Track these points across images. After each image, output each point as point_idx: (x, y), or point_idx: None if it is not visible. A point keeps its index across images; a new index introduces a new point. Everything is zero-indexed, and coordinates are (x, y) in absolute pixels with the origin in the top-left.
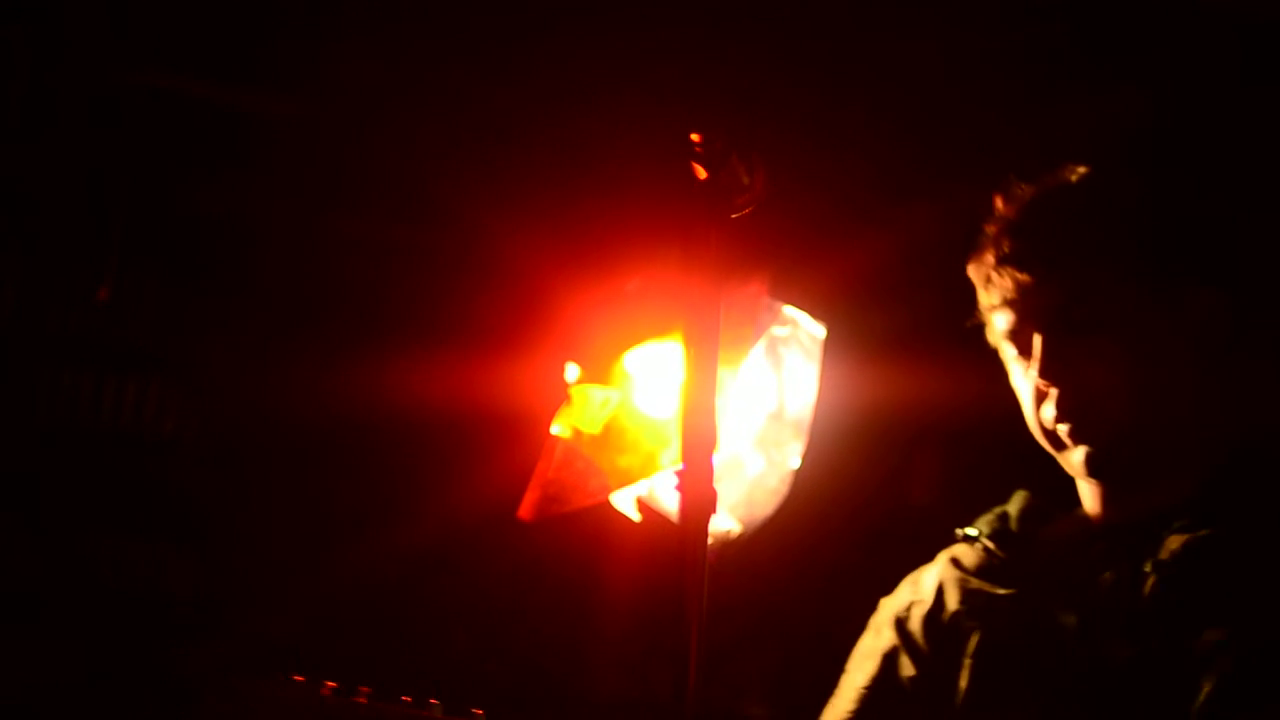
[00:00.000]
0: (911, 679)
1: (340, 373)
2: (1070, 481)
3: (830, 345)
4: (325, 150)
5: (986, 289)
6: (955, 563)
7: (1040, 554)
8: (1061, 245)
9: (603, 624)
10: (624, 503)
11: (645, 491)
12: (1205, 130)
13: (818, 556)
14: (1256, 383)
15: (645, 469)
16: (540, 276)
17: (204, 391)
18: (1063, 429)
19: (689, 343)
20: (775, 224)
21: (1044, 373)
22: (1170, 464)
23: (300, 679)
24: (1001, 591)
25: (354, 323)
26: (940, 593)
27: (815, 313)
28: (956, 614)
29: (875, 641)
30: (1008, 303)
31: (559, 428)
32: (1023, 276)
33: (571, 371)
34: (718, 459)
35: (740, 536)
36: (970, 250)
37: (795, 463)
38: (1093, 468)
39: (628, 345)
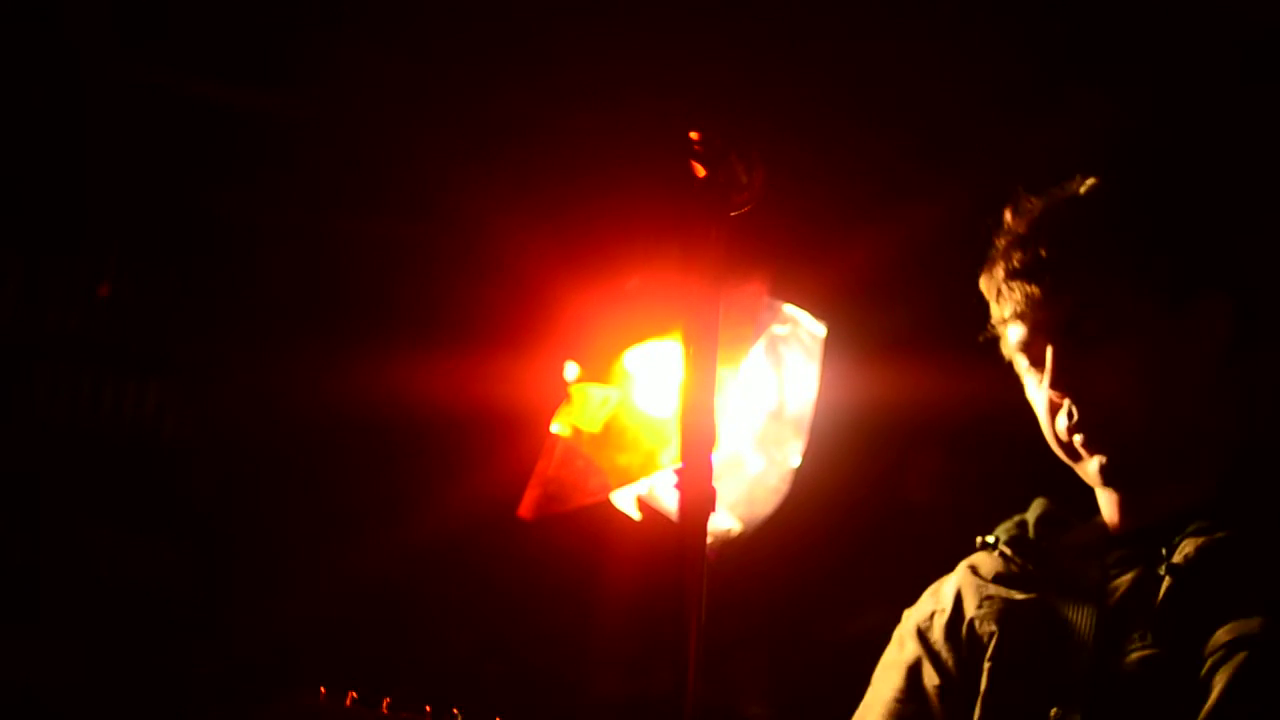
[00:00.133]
0: (937, 688)
1: (340, 371)
2: (1081, 484)
3: (830, 344)
4: (327, 150)
5: (998, 302)
6: (974, 570)
7: (1058, 560)
8: (1070, 257)
9: (603, 622)
10: (624, 501)
11: (645, 490)
12: (1210, 137)
13: (818, 555)
14: (1268, 386)
15: (645, 468)
16: (540, 275)
17: (204, 391)
18: (1077, 439)
19: (688, 341)
20: (776, 223)
21: (1056, 384)
22: (1184, 469)
23: (322, 690)
24: (1019, 597)
25: (354, 321)
26: (959, 600)
27: (815, 312)
28: (975, 620)
29: (899, 654)
30: (1019, 315)
31: (559, 426)
32: (1032, 289)
33: (571, 370)
34: (717, 458)
35: (741, 535)
36: (981, 264)
37: (795, 461)
38: (1108, 477)
39: (627, 344)
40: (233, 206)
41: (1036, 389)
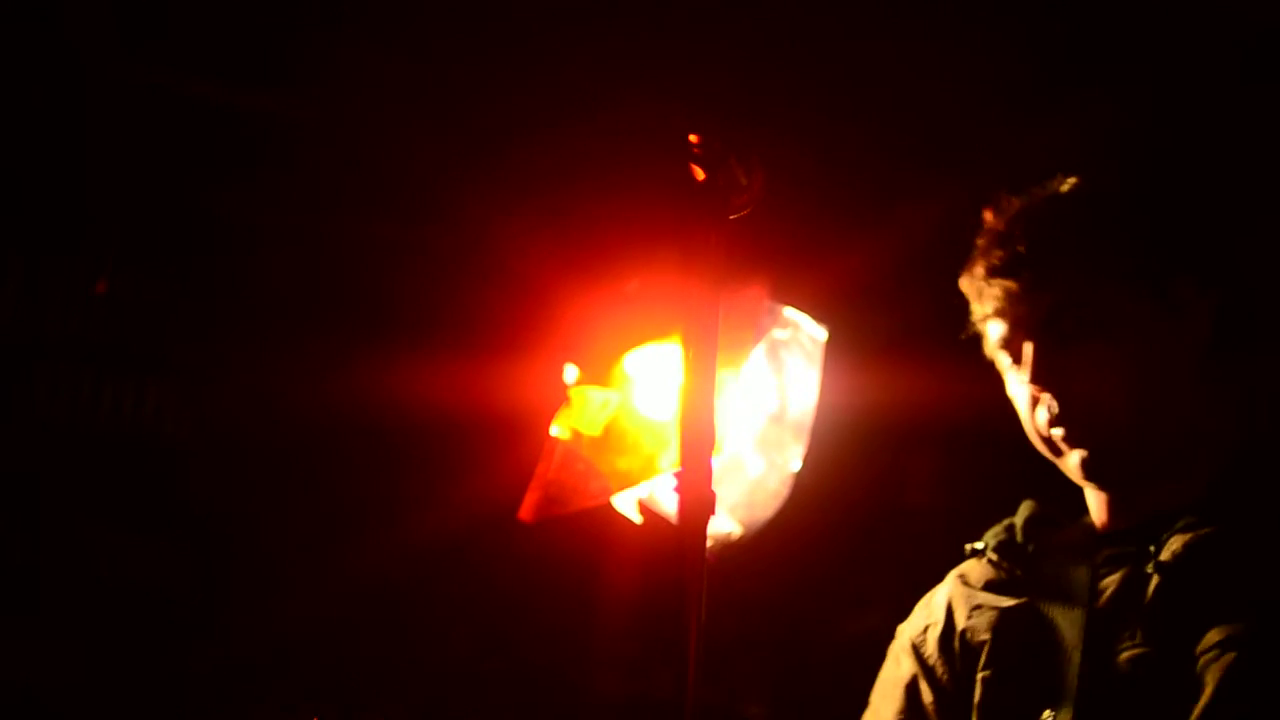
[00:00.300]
0: (934, 704)
1: (339, 372)
2: (1077, 487)
3: (831, 348)
4: (327, 150)
5: (979, 300)
6: (963, 579)
7: (1046, 564)
8: (1049, 253)
9: (603, 624)
10: (625, 504)
11: (646, 493)
12: (1204, 135)
13: (817, 556)
14: (1257, 383)
15: (645, 471)
16: (540, 277)
17: (204, 391)
18: (1058, 434)
19: (688, 344)
20: (776, 227)
21: (1036, 379)
22: (1172, 467)
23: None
24: (1009, 604)
25: (353, 322)
26: (950, 612)
27: (816, 315)
28: (967, 630)
29: (896, 671)
30: (999, 312)
31: (559, 429)
32: (1011, 285)
33: (571, 373)
34: (717, 461)
35: (741, 538)
36: (962, 264)
37: (796, 465)
38: (1090, 472)
39: (628, 347)
40: (233, 206)
41: (1018, 385)
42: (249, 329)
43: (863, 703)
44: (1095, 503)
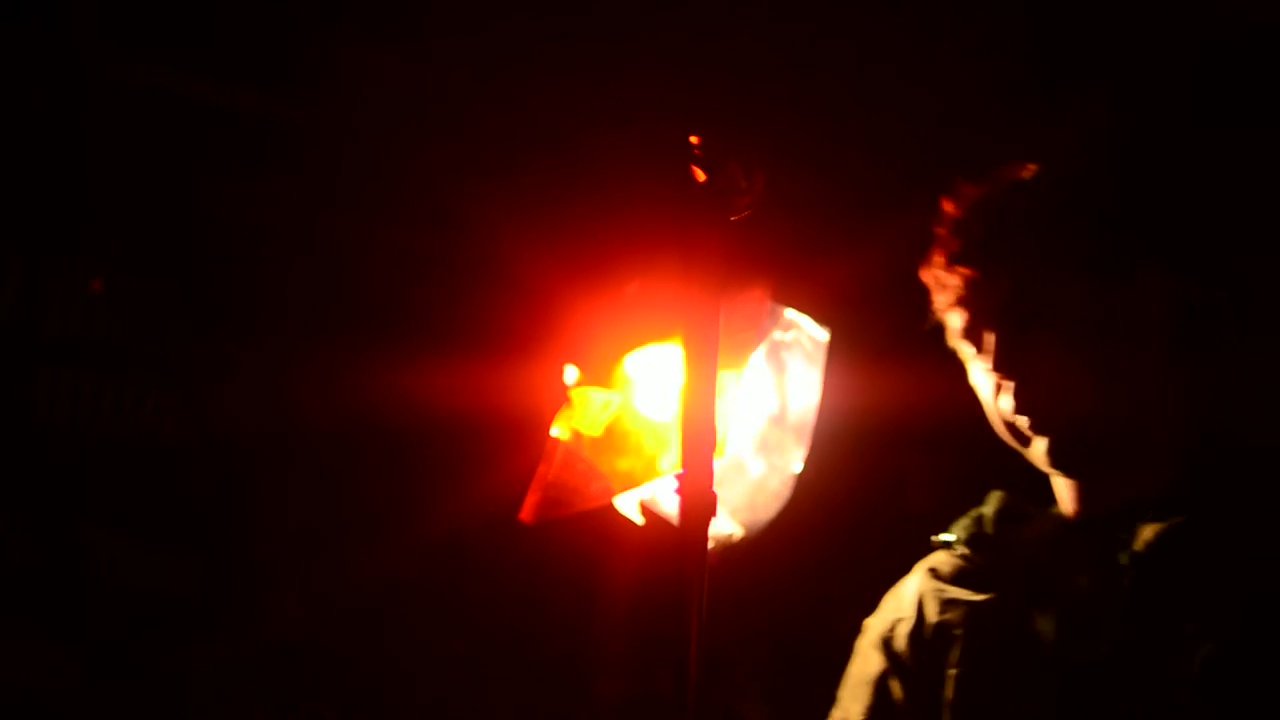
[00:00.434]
0: (905, 701)
1: (340, 373)
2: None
3: (833, 349)
4: (328, 152)
5: (940, 290)
6: (933, 572)
7: (1017, 555)
8: (1006, 239)
9: (604, 625)
10: (626, 506)
11: (647, 495)
12: (1156, 117)
13: (819, 559)
14: (1227, 369)
15: (646, 472)
16: (541, 279)
17: (204, 393)
18: (1022, 422)
19: (689, 346)
20: (778, 228)
21: (998, 366)
22: (1141, 453)
23: None
24: (979, 598)
25: (354, 324)
26: (920, 606)
27: (818, 317)
28: (938, 625)
29: (865, 667)
30: (959, 301)
31: (560, 430)
32: (970, 272)
33: (572, 374)
34: (719, 463)
35: (742, 540)
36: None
37: (797, 467)
38: (1055, 459)
39: (629, 348)
40: (233, 207)
41: (981, 374)
42: (249, 330)
43: None
44: (1064, 492)
